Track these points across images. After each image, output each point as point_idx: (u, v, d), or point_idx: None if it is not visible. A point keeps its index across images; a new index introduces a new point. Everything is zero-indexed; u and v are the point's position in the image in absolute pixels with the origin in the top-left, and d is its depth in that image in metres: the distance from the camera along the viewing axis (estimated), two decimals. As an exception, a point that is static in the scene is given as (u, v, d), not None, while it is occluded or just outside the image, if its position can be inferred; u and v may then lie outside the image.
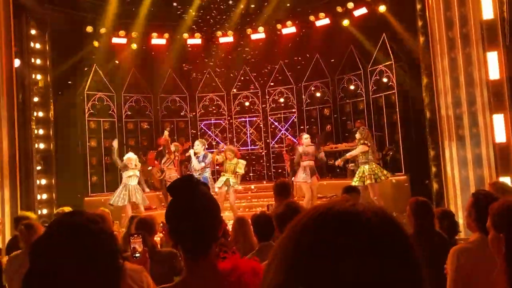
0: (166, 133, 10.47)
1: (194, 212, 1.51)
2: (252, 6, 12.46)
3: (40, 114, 10.24)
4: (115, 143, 9.93)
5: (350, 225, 0.66)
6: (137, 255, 2.27)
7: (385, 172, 9.26)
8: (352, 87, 12.58)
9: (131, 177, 9.59)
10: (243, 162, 9.85)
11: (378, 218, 0.68)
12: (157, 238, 4.36)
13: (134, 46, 12.46)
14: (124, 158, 9.78)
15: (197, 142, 9.92)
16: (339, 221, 0.67)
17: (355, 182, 8.92)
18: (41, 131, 10.21)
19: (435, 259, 2.62)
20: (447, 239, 3.62)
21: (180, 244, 1.55)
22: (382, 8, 11.02)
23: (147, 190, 10.75)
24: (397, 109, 11.29)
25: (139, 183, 9.96)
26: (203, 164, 9.52)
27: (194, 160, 9.53)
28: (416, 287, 0.68)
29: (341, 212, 0.68)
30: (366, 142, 9.16)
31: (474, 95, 7.40)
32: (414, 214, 3.47)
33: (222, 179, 9.55)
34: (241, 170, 9.68)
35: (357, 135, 9.32)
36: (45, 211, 9.86)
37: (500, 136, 7.07)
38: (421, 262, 0.70)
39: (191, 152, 9.76)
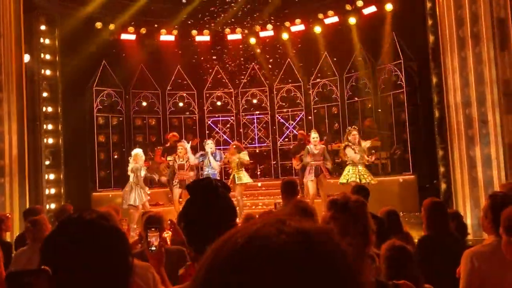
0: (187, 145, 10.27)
1: (210, 213, 1.52)
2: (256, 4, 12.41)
3: (49, 109, 10.32)
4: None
5: (246, 251, 0.54)
6: (153, 248, 2.28)
7: (370, 177, 8.87)
8: (360, 86, 12.52)
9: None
10: (244, 152, 9.86)
11: (290, 241, 0.54)
12: (166, 234, 4.38)
13: (143, 42, 12.48)
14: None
15: (210, 142, 9.91)
16: (236, 247, 0.56)
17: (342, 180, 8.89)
18: (50, 126, 10.29)
19: (449, 261, 2.60)
20: (461, 241, 3.59)
21: (193, 243, 1.55)
22: (390, 7, 10.96)
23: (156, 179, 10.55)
24: (406, 108, 11.23)
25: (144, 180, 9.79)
26: (219, 163, 9.66)
27: (212, 160, 9.53)
28: None
29: (241, 236, 0.56)
30: (348, 143, 9.01)
31: (484, 95, 7.33)
32: (428, 216, 3.43)
33: (231, 177, 9.64)
34: (245, 158, 9.66)
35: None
36: (53, 206, 9.93)
37: (510, 136, 7.01)
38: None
39: (208, 152, 9.67)
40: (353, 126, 9.62)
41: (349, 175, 8.85)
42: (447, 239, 3.39)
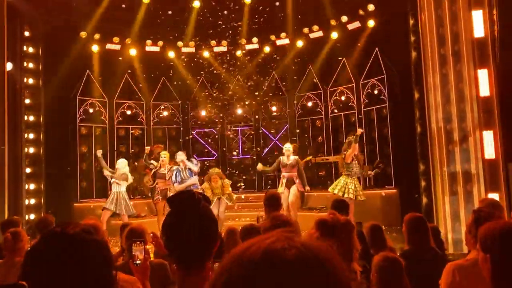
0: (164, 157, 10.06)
1: (191, 227, 1.52)
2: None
3: (31, 118, 10.19)
4: (99, 153, 9.84)
5: (263, 265, 0.64)
6: (138, 262, 2.26)
7: (356, 193, 8.94)
8: (344, 99, 12.65)
9: (112, 184, 9.47)
10: (227, 183, 9.50)
11: (301, 254, 0.65)
12: (148, 247, 4.33)
13: (128, 52, 12.45)
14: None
15: (181, 153, 9.71)
16: (253, 261, 0.64)
17: (334, 190, 8.88)
18: (31, 135, 10.15)
19: (429, 275, 2.63)
20: (442, 255, 3.64)
21: (174, 257, 1.55)
22: (373, 23, 11.16)
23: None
24: (388, 123, 11.37)
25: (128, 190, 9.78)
26: (197, 168, 9.47)
27: (191, 164, 9.33)
28: None
29: (256, 251, 0.66)
30: (345, 153, 9.05)
31: (465, 111, 7.48)
32: (409, 230, 3.49)
33: (213, 199, 9.20)
34: (228, 189, 9.44)
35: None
36: (32, 216, 9.76)
37: (489, 152, 7.15)
38: None
39: (182, 160, 9.53)
40: (356, 134, 9.47)
41: (338, 186, 8.90)
42: (428, 253, 3.44)
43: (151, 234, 3.77)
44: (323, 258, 0.66)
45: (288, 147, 9.61)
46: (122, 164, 9.52)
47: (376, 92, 11.77)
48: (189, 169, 9.46)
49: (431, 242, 3.63)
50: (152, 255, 4.23)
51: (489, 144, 7.18)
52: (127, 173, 9.46)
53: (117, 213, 9.34)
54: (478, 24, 7.21)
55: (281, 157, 9.62)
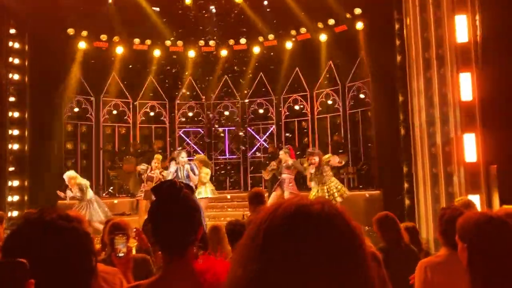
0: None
1: (174, 213, 1.59)
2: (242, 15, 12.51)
3: (16, 114, 10.10)
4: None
5: (297, 216, 0.79)
6: (121, 254, 2.30)
7: (342, 190, 8.90)
8: (329, 102, 12.75)
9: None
10: (206, 171, 9.44)
11: (324, 208, 0.81)
12: (132, 244, 4.34)
13: (115, 50, 12.40)
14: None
15: (183, 154, 9.52)
16: (289, 213, 0.80)
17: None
18: (16, 132, 10.06)
19: (403, 272, 2.70)
20: (417, 252, 3.73)
21: (159, 243, 1.62)
22: (359, 26, 11.27)
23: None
24: (373, 125, 11.49)
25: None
26: (195, 179, 9.15)
27: (193, 177, 9.00)
28: (360, 268, 0.79)
29: (290, 206, 0.81)
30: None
31: (447, 115, 7.59)
32: (380, 229, 3.59)
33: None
34: (205, 179, 9.32)
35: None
36: (15, 213, 9.67)
37: (471, 156, 7.27)
38: (365, 247, 0.81)
39: (187, 167, 9.27)
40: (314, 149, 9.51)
41: (313, 194, 8.95)
42: (400, 250, 3.53)
43: (135, 230, 3.81)
44: (340, 212, 0.82)
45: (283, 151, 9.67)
46: (78, 180, 8.97)
47: (361, 95, 11.88)
48: (187, 175, 9.23)
49: (403, 238, 3.73)
50: (135, 251, 4.25)
51: (470, 147, 7.31)
52: (81, 184, 8.97)
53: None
54: (462, 29, 7.33)
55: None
